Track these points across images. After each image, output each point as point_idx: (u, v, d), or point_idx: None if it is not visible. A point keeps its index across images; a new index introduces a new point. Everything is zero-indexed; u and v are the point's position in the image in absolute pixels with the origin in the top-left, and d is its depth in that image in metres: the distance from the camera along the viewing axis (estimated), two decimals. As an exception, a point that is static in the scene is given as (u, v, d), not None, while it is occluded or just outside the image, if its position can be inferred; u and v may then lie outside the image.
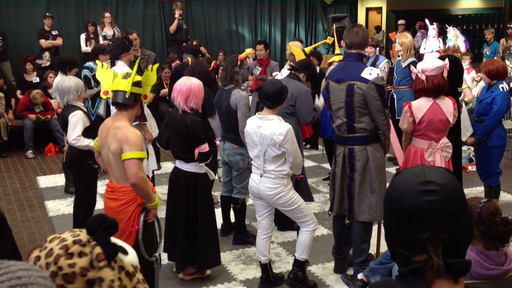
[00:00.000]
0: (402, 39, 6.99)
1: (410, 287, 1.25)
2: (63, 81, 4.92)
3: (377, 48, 7.88)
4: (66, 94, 4.85)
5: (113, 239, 1.33)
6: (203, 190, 4.27)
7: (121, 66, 5.34)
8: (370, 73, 3.95)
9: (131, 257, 1.35)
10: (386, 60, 7.76)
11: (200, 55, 8.69)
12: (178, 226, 4.23)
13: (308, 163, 7.68)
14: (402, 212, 1.28)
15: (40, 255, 1.26)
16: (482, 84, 6.25)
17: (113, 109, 4.95)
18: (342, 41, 4.26)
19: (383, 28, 16.92)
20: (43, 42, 10.05)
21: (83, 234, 1.31)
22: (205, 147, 4.11)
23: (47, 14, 10.32)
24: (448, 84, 4.28)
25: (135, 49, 7.13)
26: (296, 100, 4.82)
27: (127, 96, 3.51)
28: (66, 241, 1.27)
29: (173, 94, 4.15)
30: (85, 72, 6.84)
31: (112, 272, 1.27)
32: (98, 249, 1.27)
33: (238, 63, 4.95)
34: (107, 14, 10.36)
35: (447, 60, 4.33)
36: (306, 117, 4.87)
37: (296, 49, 5.80)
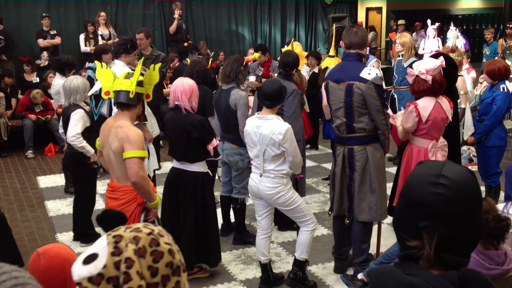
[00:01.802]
0: (403, 39, 6.97)
1: (406, 270, 1.29)
2: (70, 81, 4.98)
3: (367, 48, 7.86)
4: (73, 94, 4.91)
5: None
6: (210, 189, 4.34)
7: (121, 66, 5.35)
8: (369, 73, 3.95)
9: None
10: (376, 59, 7.73)
11: (202, 55, 8.70)
12: (187, 226, 4.23)
13: (308, 163, 7.68)
14: (409, 197, 1.33)
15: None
16: (485, 83, 6.24)
17: (113, 109, 4.96)
18: (341, 41, 4.25)
19: (383, 28, 16.93)
20: (41, 42, 10.05)
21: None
22: (214, 142, 4.18)
23: (44, 14, 10.32)
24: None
25: (142, 49, 7.15)
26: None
27: (131, 95, 3.51)
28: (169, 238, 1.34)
29: (175, 94, 4.12)
30: (89, 72, 6.82)
31: None
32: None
33: (244, 63, 5.00)
34: (102, 14, 10.37)
35: (442, 57, 4.32)
36: (289, 113, 4.84)
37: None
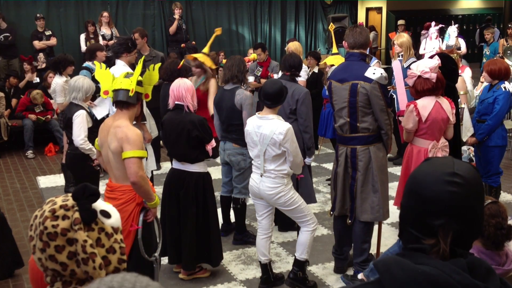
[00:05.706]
0: (400, 39, 6.94)
1: (414, 260, 1.29)
2: (76, 79, 5.06)
3: (368, 48, 7.82)
4: (75, 91, 4.93)
5: (100, 204, 1.56)
6: (211, 189, 4.33)
7: (121, 66, 5.34)
8: (373, 72, 3.95)
9: (113, 220, 1.58)
10: (377, 60, 7.70)
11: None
12: (189, 226, 4.23)
13: (308, 163, 7.67)
14: (423, 196, 1.33)
15: (37, 215, 1.52)
16: (485, 83, 6.24)
17: (112, 109, 4.97)
18: (344, 41, 4.24)
19: (383, 28, 16.91)
20: (36, 44, 10.02)
21: (71, 200, 1.53)
22: (213, 143, 4.19)
23: (38, 15, 10.29)
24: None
25: (141, 49, 7.14)
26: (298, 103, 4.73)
27: (130, 94, 3.50)
28: (55, 205, 1.51)
29: (180, 93, 4.12)
30: (84, 73, 6.78)
31: (86, 233, 1.49)
32: (77, 214, 1.50)
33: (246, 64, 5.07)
34: (105, 14, 10.35)
35: (437, 57, 4.33)
36: (307, 119, 4.74)
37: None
